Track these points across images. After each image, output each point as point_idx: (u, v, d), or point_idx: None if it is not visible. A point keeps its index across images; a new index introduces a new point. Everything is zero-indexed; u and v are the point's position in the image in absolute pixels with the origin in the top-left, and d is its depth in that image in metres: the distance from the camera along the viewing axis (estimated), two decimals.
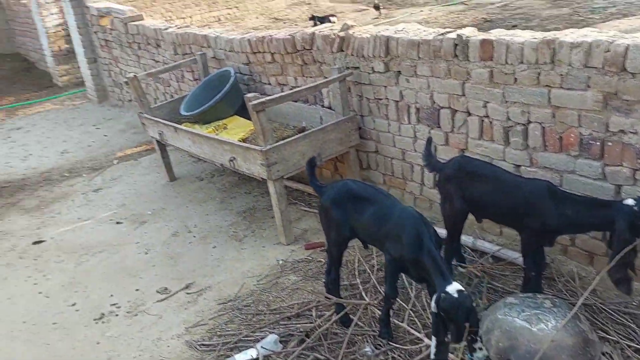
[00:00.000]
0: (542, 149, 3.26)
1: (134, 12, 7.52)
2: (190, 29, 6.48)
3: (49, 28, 9.70)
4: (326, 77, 4.44)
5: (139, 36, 7.25)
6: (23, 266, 4.51)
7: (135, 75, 5.38)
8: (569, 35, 2.99)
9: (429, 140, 3.44)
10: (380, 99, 4.17)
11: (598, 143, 3.00)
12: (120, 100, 8.60)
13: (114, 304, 3.80)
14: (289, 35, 4.77)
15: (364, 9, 15.36)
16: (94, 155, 6.80)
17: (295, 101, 4.80)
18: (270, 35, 4.99)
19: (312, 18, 13.43)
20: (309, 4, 17.01)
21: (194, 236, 4.55)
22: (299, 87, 4.79)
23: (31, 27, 10.76)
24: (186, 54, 6.28)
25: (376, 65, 4.06)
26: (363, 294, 3.33)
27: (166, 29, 6.63)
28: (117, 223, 5.00)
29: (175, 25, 6.86)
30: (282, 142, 4.05)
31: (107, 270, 4.27)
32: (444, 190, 3.26)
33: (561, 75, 3.01)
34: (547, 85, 3.10)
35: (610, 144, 2.96)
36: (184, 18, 13.04)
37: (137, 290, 3.93)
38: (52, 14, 9.61)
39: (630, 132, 2.86)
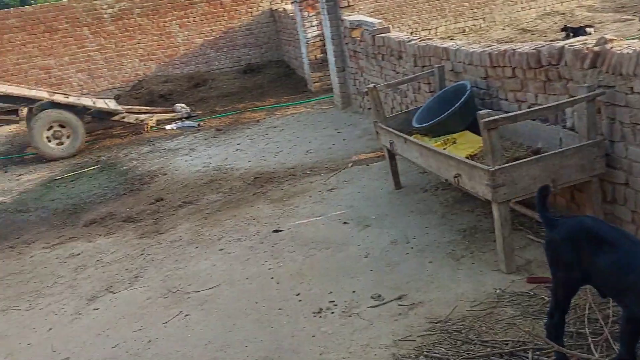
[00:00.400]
0: None
1: (382, 25, 7.73)
2: (432, 41, 6.39)
3: (309, 39, 10.55)
4: (572, 96, 3.98)
5: (383, 48, 7.43)
6: (262, 251, 4.92)
7: (375, 86, 5.52)
8: None
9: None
10: (638, 124, 3.59)
11: None
12: (361, 107, 8.93)
13: (331, 302, 3.91)
14: (534, 49, 4.39)
15: (629, 19, 13.60)
16: (333, 157, 7.14)
17: (533, 120, 4.41)
18: (513, 49, 4.66)
19: (565, 29, 12.47)
20: (563, 13, 15.71)
21: (412, 247, 4.47)
22: (539, 104, 4.41)
23: (295, 37, 11.84)
24: (425, 66, 6.23)
25: (637, 85, 3.51)
26: (592, 347, 2.87)
27: (409, 41, 6.67)
28: (344, 223, 5.16)
29: (418, 38, 6.85)
30: (512, 163, 3.75)
31: (329, 267, 4.42)
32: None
33: None
34: None
35: None
36: (429, 30, 13.14)
37: (353, 292, 3.99)
38: (312, 25, 10.42)
39: None
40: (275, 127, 9.17)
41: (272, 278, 4.42)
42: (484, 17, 15.45)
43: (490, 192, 3.69)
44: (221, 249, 5.12)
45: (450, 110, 4.91)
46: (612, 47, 3.71)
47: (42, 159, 9.39)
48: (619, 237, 2.52)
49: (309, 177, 6.57)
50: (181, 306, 4.23)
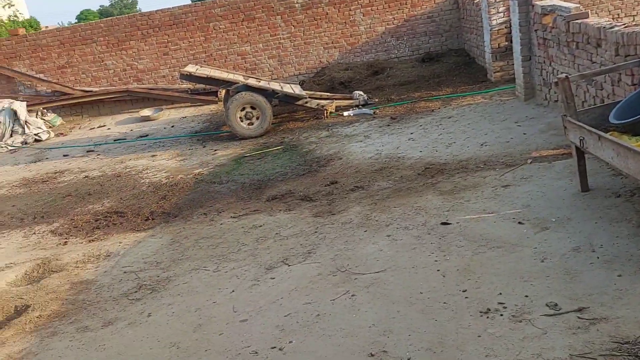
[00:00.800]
0: None
1: (579, 10, 6.99)
2: None
3: (494, 26, 9.98)
4: None
5: (579, 35, 6.73)
6: (429, 242, 4.75)
7: (567, 76, 4.99)
8: None
9: None
10: None
11: None
12: (546, 99, 8.24)
13: (500, 303, 3.64)
14: None
15: None
16: (510, 151, 6.68)
17: None
18: None
19: None
20: None
21: (597, 257, 3.96)
22: None
23: (478, 25, 11.30)
24: (629, 55, 5.50)
25: None
26: None
27: (611, 27, 5.93)
28: (519, 223, 4.78)
29: (623, 24, 6.05)
30: None
31: (500, 267, 4.12)
32: None
33: None
34: None
35: None
36: (633, 16, 11.64)
37: (526, 296, 3.67)
38: (498, 12, 9.84)
39: None
40: (450, 118, 8.86)
41: (438, 270, 4.25)
42: None
43: None
44: (388, 235, 5.06)
45: None
46: None
47: (234, 136, 10.11)
48: None
49: (482, 172, 6.21)
50: (348, 286, 4.27)
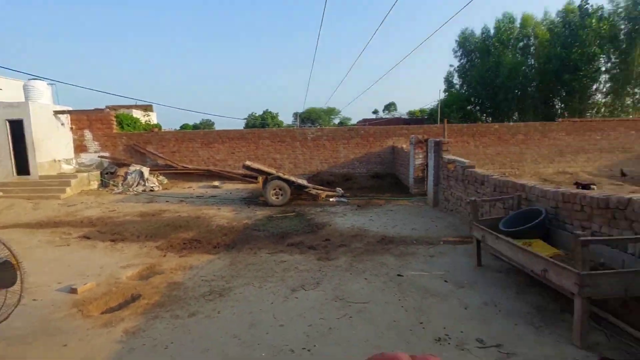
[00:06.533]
0: None
1: (470, 163, 7.20)
2: (510, 178, 5.75)
3: (416, 164, 10.19)
4: (636, 232, 3.20)
5: (470, 177, 6.86)
6: (392, 287, 4.38)
7: (475, 199, 4.96)
8: None
9: None
10: None
11: None
12: (445, 208, 8.27)
13: (447, 334, 3.29)
14: (604, 196, 3.66)
15: (619, 183, 11.68)
16: (430, 235, 6.50)
17: (608, 245, 3.57)
18: (584, 193, 3.94)
19: (576, 184, 10.87)
20: (571, 174, 13.89)
21: (499, 310, 3.70)
22: (601, 233, 3.60)
23: (406, 162, 11.52)
24: (502, 192, 5.58)
25: None
26: None
27: (492, 175, 6.07)
28: (445, 281, 4.50)
29: (498, 174, 6.22)
30: (595, 272, 3.00)
31: (439, 309, 3.78)
32: None
33: None
34: None
35: None
36: (486, 170, 12.23)
37: (461, 332, 3.32)
38: (419, 157, 10.10)
39: None
40: (392, 210, 8.72)
41: (402, 307, 3.87)
42: (517, 168, 14.15)
43: (577, 288, 2.96)
44: (366, 279, 4.66)
45: (532, 224, 4.23)
46: None
47: (266, 204, 9.66)
48: None
49: (416, 245, 5.97)
50: (346, 310, 3.82)
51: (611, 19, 20.14)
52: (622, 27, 20.13)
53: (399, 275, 4.74)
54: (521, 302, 3.83)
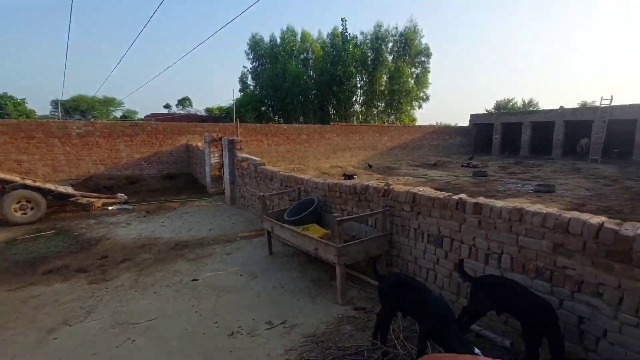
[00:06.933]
0: (511, 270, 3.01)
1: (261, 161, 7.78)
2: (293, 173, 6.61)
3: (212, 163, 10.09)
4: (372, 210, 4.37)
5: (261, 173, 7.43)
6: (186, 293, 4.20)
7: (263, 195, 5.41)
8: (532, 207, 2.89)
9: (462, 260, 3.09)
10: (405, 226, 4.03)
11: (548, 272, 2.77)
12: (242, 205, 8.63)
13: (239, 327, 3.45)
14: (353, 184, 4.79)
15: (370, 172, 15.70)
16: (227, 233, 6.62)
17: (356, 221, 4.67)
18: (341, 183, 5.02)
19: (344, 175, 13.81)
20: (341, 167, 17.56)
21: (285, 290, 4.22)
22: (355, 213, 4.71)
23: (202, 160, 11.24)
24: (287, 186, 6.35)
25: (405, 207, 3.98)
26: (397, 345, 2.95)
27: (279, 171, 6.79)
28: (240, 275, 4.70)
29: (283, 170, 7.02)
30: (347, 243, 3.88)
31: (234, 304, 3.93)
32: (476, 295, 2.77)
33: (526, 229, 2.87)
34: (516, 233, 2.94)
35: (557, 273, 2.72)
36: (277, 167, 13.59)
37: (253, 319, 3.58)
38: (215, 156, 10.06)
39: (570, 269, 2.65)
40: (187, 213, 8.30)
41: (195, 312, 3.77)
42: (303, 164, 16.49)
43: (337, 258, 3.75)
44: (155, 292, 4.26)
45: (307, 212, 5.00)
46: (393, 187, 4.23)
47: (5, 222, 7.12)
48: (419, 285, 2.71)
49: (213, 246, 5.95)
50: (128, 334, 3.36)
51: (362, 47, 26.69)
52: (369, 54, 27.05)
53: (194, 280, 4.58)
54: (303, 279, 4.49)
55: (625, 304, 2.39)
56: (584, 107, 22.77)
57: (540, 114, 22.80)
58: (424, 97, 28.67)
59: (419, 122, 30.09)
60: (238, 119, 12.22)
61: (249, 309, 3.78)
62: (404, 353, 2.81)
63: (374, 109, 28.87)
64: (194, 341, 3.22)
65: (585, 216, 2.59)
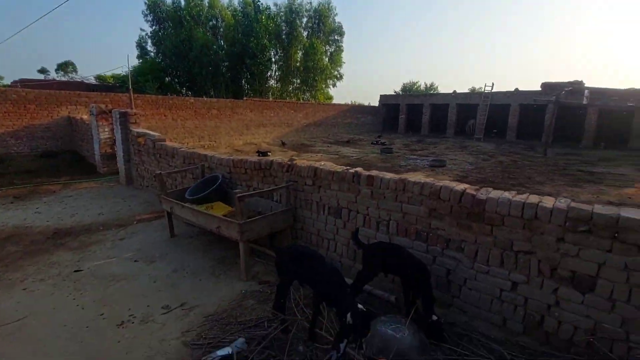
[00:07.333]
0: (397, 235, 3.38)
1: (160, 137, 7.16)
2: (196, 150, 6.25)
3: (102, 139, 8.90)
4: (277, 185, 4.42)
5: (161, 150, 6.86)
6: (65, 286, 3.74)
7: (160, 173, 5.02)
8: (413, 177, 3.25)
9: (357, 229, 3.30)
10: (308, 200, 4.18)
11: (425, 234, 3.19)
12: (141, 185, 7.89)
13: (131, 315, 3.23)
14: (257, 160, 4.76)
15: (284, 150, 15.77)
16: (121, 217, 6.01)
17: (260, 197, 4.68)
18: (246, 159, 4.94)
19: (258, 152, 13.62)
20: (255, 144, 17.25)
21: (187, 272, 4.06)
22: (260, 189, 4.71)
23: (89, 136, 9.86)
24: (191, 163, 6.01)
25: (307, 181, 4.11)
26: (296, 312, 3.11)
27: (180, 148, 6.35)
28: (135, 261, 4.36)
29: (186, 146, 6.59)
30: (250, 219, 3.89)
31: (126, 292, 3.64)
32: (367, 260, 3.02)
33: (408, 197, 3.23)
34: (400, 202, 3.30)
35: (431, 234, 3.15)
36: (184, 143, 12.66)
37: (147, 306, 3.38)
38: (105, 131, 8.87)
39: (441, 230, 3.08)
40: (70, 197, 7.25)
41: (77, 305, 3.40)
42: (215, 141, 15.73)
43: (239, 235, 3.73)
44: (25, 289, 3.69)
45: (210, 189, 4.83)
46: (296, 162, 4.32)
47: None
48: (313, 254, 2.86)
49: (103, 232, 5.35)
50: None
51: (276, 19, 25.87)
52: (284, 28, 26.41)
53: (76, 271, 4.10)
54: (207, 259, 4.37)
55: (480, 256, 2.90)
56: (473, 92, 26.17)
57: (438, 97, 25.50)
58: (338, 75, 29.46)
59: (334, 101, 31.01)
60: (131, 89, 10.83)
61: (144, 296, 3.56)
62: (302, 318, 2.99)
63: (289, 86, 28.67)
64: (74, 337, 2.91)
65: (452, 184, 3.02)
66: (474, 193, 2.86)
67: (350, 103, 29.84)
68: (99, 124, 8.75)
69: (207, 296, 3.55)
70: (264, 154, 13.03)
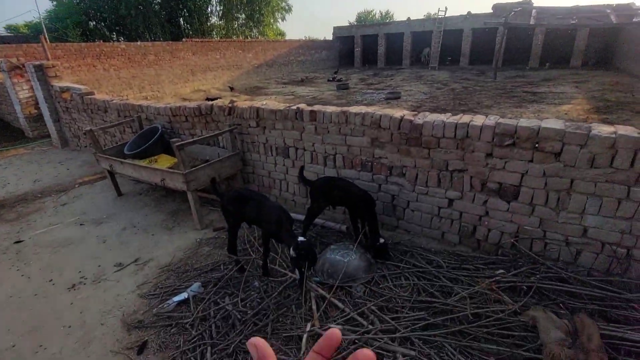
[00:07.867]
0: (343, 168, 3.45)
1: (87, 90, 6.49)
2: (129, 100, 5.76)
3: (22, 99, 7.91)
4: (221, 130, 4.26)
5: (92, 105, 6.27)
6: (7, 259, 3.59)
7: (91, 129, 4.63)
8: (354, 109, 3.24)
9: (302, 168, 3.31)
10: (254, 142, 4.10)
11: (369, 163, 3.28)
12: (78, 146, 7.32)
13: (83, 277, 3.19)
14: (197, 105, 4.50)
15: (236, 95, 15.05)
16: (60, 182, 5.63)
17: (202, 144, 4.51)
18: (185, 105, 4.65)
19: (207, 99, 12.90)
20: (204, 91, 16.22)
21: (138, 229, 3.99)
22: (203, 135, 4.52)
23: (7, 98, 8.75)
24: (127, 116, 5.58)
25: (251, 123, 3.99)
26: (250, 252, 3.22)
27: (112, 100, 5.83)
28: (81, 225, 4.20)
29: (118, 98, 6.05)
30: (194, 168, 3.78)
31: (75, 256, 3.56)
32: (315, 195, 3.09)
33: (351, 129, 3.25)
34: (344, 134, 3.31)
35: (375, 163, 3.25)
36: (121, 97, 11.61)
37: (99, 266, 3.34)
38: (23, 89, 7.85)
39: (384, 158, 3.18)
40: None
41: (22, 275, 3.29)
42: (158, 90, 14.60)
43: (185, 185, 3.65)
44: None
45: (150, 142, 4.58)
46: (237, 105, 4.14)
47: None
48: (256, 195, 2.88)
49: (41, 199, 5.03)
50: None
51: None
52: None
53: (17, 242, 3.90)
54: (158, 214, 4.30)
55: (419, 179, 3.06)
56: (428, 19, 25.51)
57: (392, 26, 24.67)
58: (286, 7, 27.40)
59: (287, 38, 29.17)
60: (45, 36, 9.39)
61: (94, 257, 3.50)
62: (257, 257, 3.10)
63: (234, 22, 26.39)
64: (23, 306, 2.86)
65: (391, 111, 3.06)
66: (412, 118, 2.92)
67: (304, 38, 28.20)
68: (14, 81, 7.72)
69: (162, 249, 3.56)
70: (214, 99, 12.37)
